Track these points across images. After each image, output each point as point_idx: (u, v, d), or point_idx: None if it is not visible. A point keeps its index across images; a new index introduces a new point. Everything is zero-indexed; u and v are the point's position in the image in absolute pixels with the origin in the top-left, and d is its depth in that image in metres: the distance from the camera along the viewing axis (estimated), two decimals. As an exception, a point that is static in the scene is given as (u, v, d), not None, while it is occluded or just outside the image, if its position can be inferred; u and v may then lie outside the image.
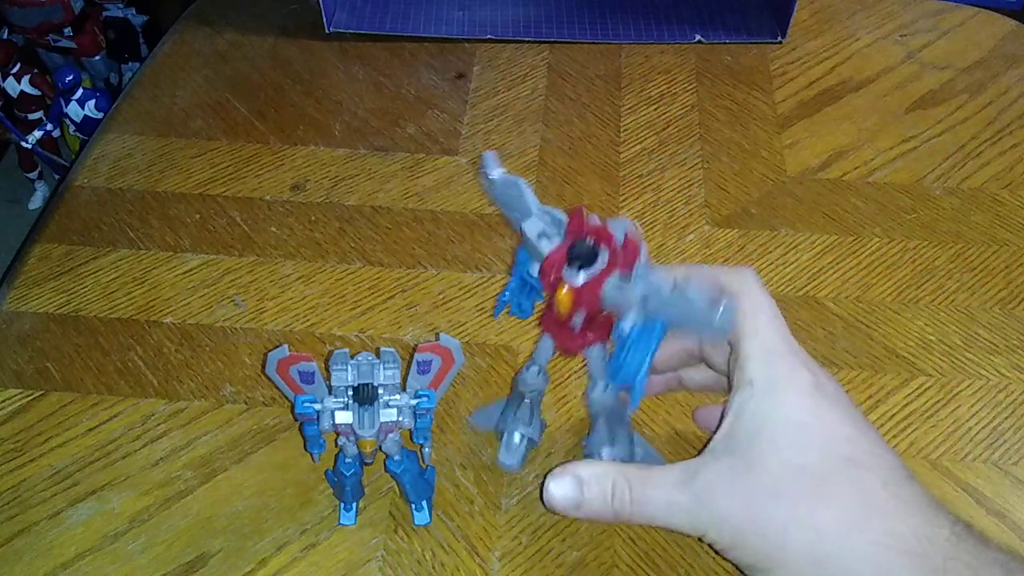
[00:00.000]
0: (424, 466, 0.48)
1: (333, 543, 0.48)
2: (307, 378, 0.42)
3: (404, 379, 0.43)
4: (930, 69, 0.79)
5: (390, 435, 0.44)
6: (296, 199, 0.68)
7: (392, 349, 0.42)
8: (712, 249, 0.64)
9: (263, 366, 0.42)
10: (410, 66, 0.79)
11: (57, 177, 1.54)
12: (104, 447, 0.53)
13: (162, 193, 0.68)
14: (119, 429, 0.53)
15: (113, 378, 0.56)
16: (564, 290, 0.38)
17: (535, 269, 0.40)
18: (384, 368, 0.42)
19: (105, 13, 1.60)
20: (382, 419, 0.42)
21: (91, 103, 1.41)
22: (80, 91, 1.41)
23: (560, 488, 0.39)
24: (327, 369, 0.43)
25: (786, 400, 0.37)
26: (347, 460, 0.46)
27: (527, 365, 0.45)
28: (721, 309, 0.34)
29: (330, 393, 0.42)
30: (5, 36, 1.52)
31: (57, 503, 0.50)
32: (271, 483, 0.51)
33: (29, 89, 1.45)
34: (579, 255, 0.37)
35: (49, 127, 1.45)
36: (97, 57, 1.59)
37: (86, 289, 0.61)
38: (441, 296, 0.61)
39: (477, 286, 0.62)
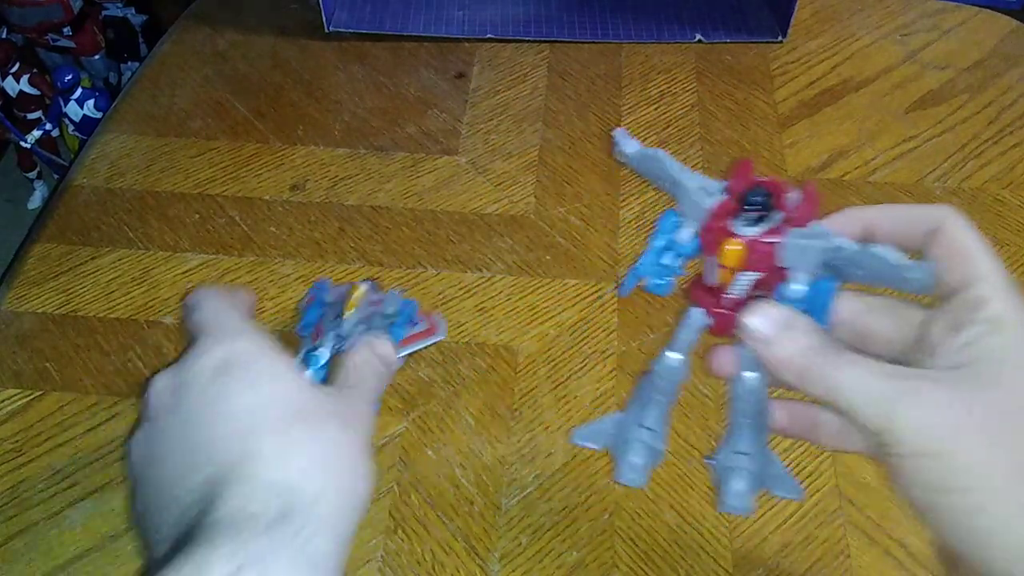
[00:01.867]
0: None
1: (333, 544, 0.48)
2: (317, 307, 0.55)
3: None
4: (931, 69, 0.79)
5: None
6: (296, 199, 0.68)
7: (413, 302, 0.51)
8: (712, 249, 0.64)
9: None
10: (410, 66, 0.79)
11: (56, 177, 1.54)
12: (103, 447, 0.52)
13: (161, 193, 0.68)
14: (118, 429, 0.53)
15: (112, 378, 0.56)
16: (733, 244, 0.33)
17: (686, 233, 0.35)
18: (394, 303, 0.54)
19: (104, 12, 1.60)
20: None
21: (90, 103, 1.41)
22: (79, 91, 1.41)
23: (764, 316, 0.33)
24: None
25: None
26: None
27: (664, 355, 0.38)
28: (921, 265, 0.31)
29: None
30: (4, 35, 1.51)
31: (56, 503, 0.50)
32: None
33: (28, 89, 1.45)
34: (755, 202, 0.33)
35: (48, 127, 1.45)
36: (96, 57, 1.58)
37: (85, 289, 0.61)
38: (441, 296, 0.61)
39: (477, 286, 0.61)
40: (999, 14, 0.85)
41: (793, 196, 0.33)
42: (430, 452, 0.53)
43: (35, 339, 0.58)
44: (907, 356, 0.34)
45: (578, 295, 0.61)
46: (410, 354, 0.56)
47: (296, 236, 0.65)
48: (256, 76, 0.78)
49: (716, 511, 0.35)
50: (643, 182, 0.68)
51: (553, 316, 0.60)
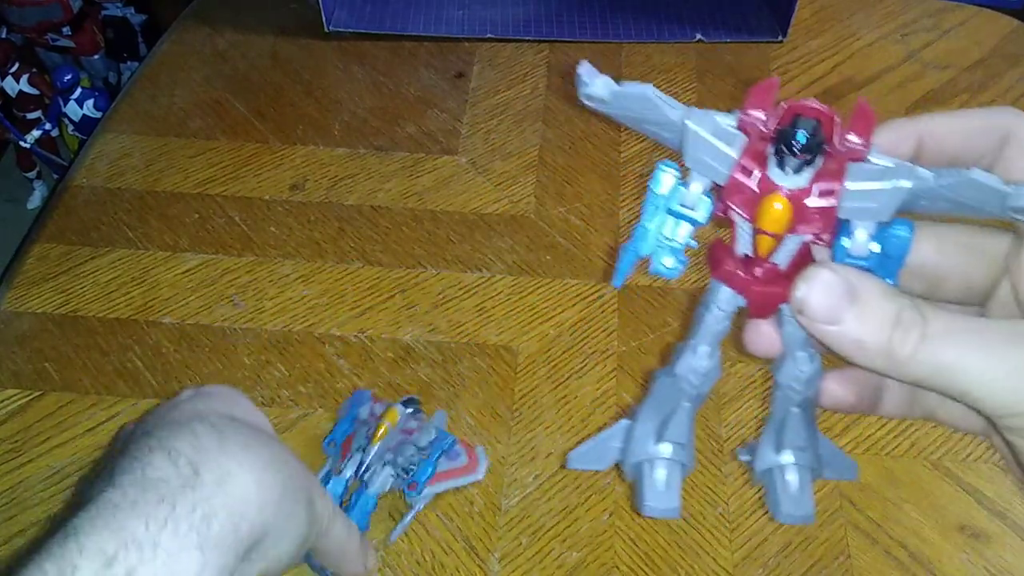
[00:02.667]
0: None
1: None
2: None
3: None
4: (931, 68, 0.79)
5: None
6: (295, 199, 0.67)
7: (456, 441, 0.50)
8: (713, 249, 0.64)
9: None
10: (410, 65, 0.79)
11: (56, 177, 1.54)
12: (103, 447, 0.52)
13: (161, 193, 0.68)
14: (117, 429, 0.53)
15: (112, 378, 0.56)
16: (778, 198, 0.25)
17: (695, 190, 0.27)
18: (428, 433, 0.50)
19: (104, 12, 1.59)
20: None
21: (90, 102, 1.41)
22: (79, 90, 1.41)
23: (824, 287, 0.25)
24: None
25: None
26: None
27: (687, 348, 0.29)
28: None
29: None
30: (4, 35, 1.51)
31: (56, 503, 0.50)
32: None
33: (28, 88, 1.45)
34: (804, 144, 0.24)
35: (48, 126, 1.45)
36: (96, 56, 1.58)
37: (84, 289, 0.61)
38: (441, 296, 0.61)
39: (477, 286, 0.61)
40: (1000, 14, 0.85)
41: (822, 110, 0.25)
42: (430, 452, 0.53)
43: (34, 339, 0.58)
44: (989, 300, 0.28)
45: (578, 295, 0.61)
46: (441, 493, 0.51)
47: (296, 236, 0.65)
48: (256, 76, 0.78)
49: (775, 520, 0.29)
50: (644, 182, 0.68)
51: (553, 316, 0.60)
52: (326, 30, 0.80)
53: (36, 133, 1.44)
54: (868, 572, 0.48)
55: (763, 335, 0.29)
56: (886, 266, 0.26)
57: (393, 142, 0.72)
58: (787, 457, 0.29)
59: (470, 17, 0.82)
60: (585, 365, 0.57)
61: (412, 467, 0.48)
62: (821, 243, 0.26)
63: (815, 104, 0.25)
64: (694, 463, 0.30)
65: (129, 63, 1.63)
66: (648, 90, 0.25)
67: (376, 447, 0.49)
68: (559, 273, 0.62)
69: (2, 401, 0.55)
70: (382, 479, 0.48)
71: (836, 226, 0.25)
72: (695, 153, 0.26)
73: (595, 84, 0.25)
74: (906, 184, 0.24)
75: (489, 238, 0.65)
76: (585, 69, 0.25)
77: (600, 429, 0.30)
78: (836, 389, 0.29)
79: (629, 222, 0.66)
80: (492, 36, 0.81)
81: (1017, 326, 0.25)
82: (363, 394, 0.53)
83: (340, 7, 0.82)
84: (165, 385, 0.56)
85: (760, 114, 0.25)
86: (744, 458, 0.31)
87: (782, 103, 0.25)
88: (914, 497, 0.51)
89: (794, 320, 0.27)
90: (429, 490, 0.49)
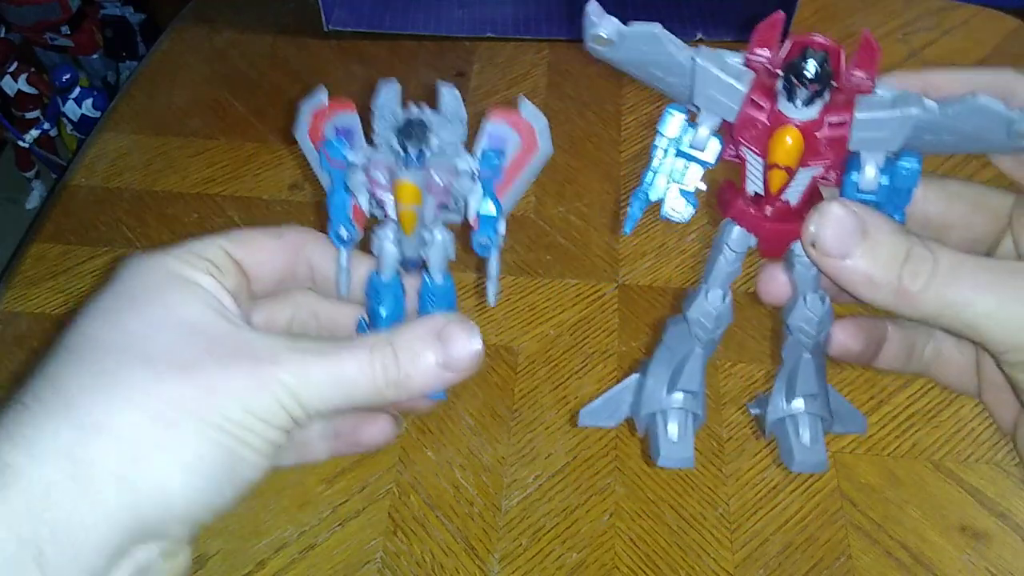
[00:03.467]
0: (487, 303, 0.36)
1: (331, 545, 0.48)
2: (346, 137, 0.31)
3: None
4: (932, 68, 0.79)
5: (438, 221, 0.31)
6: (295, 199, 0.67)
7: (454, 92, 0.29)
8: (713, 249, 0.64)
9: (294, 125, 0.31)
10: (409, 65, 0.79)
11: (54, 176, 1.53)
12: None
13: (160, 192, 0.68)
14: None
15: (110, 379, 0.56)
16: (788, 134, 0.25)
17: (703, 131, 0.27)
18: (443, 125, 0.29)
19: (102, 11, 1.59)
20: (433, 173, 0.29)
21: (88, 102, 1.40)
22: (77, 90, 1.41)
23: (835, 222, 0.25)
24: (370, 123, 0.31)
25: None
26: (382, 278, 0.32)
27: (699, 292, 0.29)
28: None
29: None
30: (2, 34, 1.51)
31: (54, 505, 0.50)
32: (269, 484, 0.50)
33: (26, 88, 1.45)
34: (814, 74, 0.24)
35: (46, 126, 1.44)
36: (94, 56, 1.58)
37: (83, 289, 0.61)
38: (441, 296, 0.61)
39: (477, 286, 0.61)
40: (1001, 13, 0.85)
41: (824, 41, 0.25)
42: (430, 453, 0.53)
43: (33, 339, 0.58)
44: (991, 254, 0.29)
45: (578, 295, 0.61)
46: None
47: (295, 236, 0.64)
48: (255, 75, 0.78)
49: (790, 471, 0.29)
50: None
51: (553, 316, 0.60)
52: (325, 29, 0.80)
53: (34, 132, 1.44)
54: (869, 573, 0.48)
55: (776, 281, 0.29)
56: (894, 201, 0.26)
57: (393, 141, 0.72)
58: (799, 403, 0.29)
59: (470, 16, 0.82)
60: (585, 365, 0.57)
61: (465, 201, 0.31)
62: (829, 182, 0.26)
63: (821, 38, 0.25)
64: (705, 414, 0.30)
65: (128, 62, 1.62)
66: (656, 28, 0.25)
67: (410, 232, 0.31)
68: (559, 273, 0.62)
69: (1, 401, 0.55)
70: (440, 246, 0.32)
71: (846, 160, 0.26)
72: (704, 90, 0.26)
73: (603, 24, 0.26)
74: (914, 111, 0.24)
75: (489, 238, 0.64)
76: (593, 7, 0.26)
77: (600, 429, 0.30)
78: (844, 337, 0.30)
79: (629, 222, 0.66)
80: (492, 35, 0.81)
81: (1005, 264, 0.25)
82: (346, 118, 0.31)
83: (340, 6, 0.82)
84: (164, 385, 0.55)
85: (767, 52, 0.25)
86: (755, 411, 0.31)
87: (788, 40, 0.25)
88: (915, 498, 0.51)
89: (804, 260, 0.27)
90: (508, 200, 0.32)
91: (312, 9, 0.79)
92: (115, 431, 0.25)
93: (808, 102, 0.25)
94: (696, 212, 0.28)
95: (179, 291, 0.28)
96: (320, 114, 0.31)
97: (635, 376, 0.31)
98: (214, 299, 0.28)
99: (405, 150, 0.29)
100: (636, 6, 0.83)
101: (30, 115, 1.48)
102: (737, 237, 0.28)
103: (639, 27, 0.25)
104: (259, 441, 0.26)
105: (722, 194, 0.28)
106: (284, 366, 0.26)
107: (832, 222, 0.25)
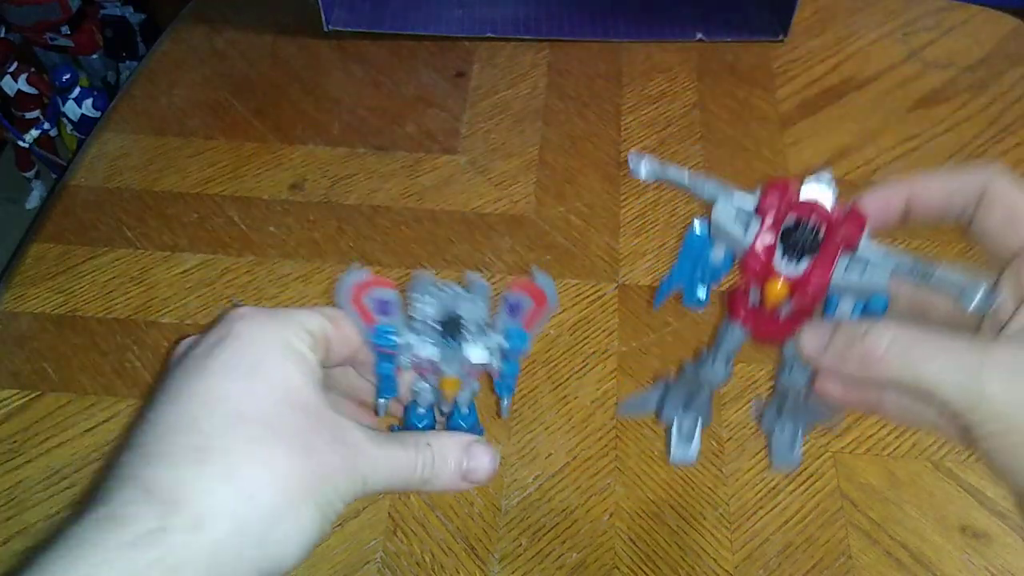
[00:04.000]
0: (500, 418, 0.41)
1: (332, 545, 0.48)
2: (383, 308, 0.35)
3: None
4: (932, 68, 0.79)
5: (469, 382, 0.38)
6: (294, 198, 0.67)
7: (481, 279, 0.34)
8: (713, 249, 0.64)
9: (336, 292, 0.35)
10: (409, 64, 0.79)
11: (54, 176, 1.53)
12: (101, 448, 0.52)
13: (159, 192, 0.68)
14: (116, 430, 0.53)
15: (110, 378, 0.56)
16: (779, 283, 0.32)
17: (718, 252, 0.34)
18: (473, 302, 0.34)
19: (103, 11, 1.59)
20: (473, 360, 0.35)
21: (88, 102, 1.41)
22: (77, 90, 1.41)
23: (816, 337, 0.31)
24: (406, 298, 0.35)
25: None
26: (420, 411, 0.37)
27: (709, 355, 0.37)
28: (981, 292, 0.29)
29: (409, 326, 0.35)
30: (2, 34, 1.51)
31: (55, 504, 0.50)
32: (270, 485, 0.51)
33: (26, 88, 1.45)
34: (799, 243, 0.31)
35: (46, 126, 1.44)
36: (94, 56, 1.58)
37: (83, 289, 0.61)
38: (441, 296, 0.61)
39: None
40: (1001, 13, 0.85)
41: (828, 204, 0.31)
42: (430, 453, 0.53)
43: (33, 339, 0.58)
44: (969, 328, 0.31)
45: (578, 295, 0.61)
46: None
47: (295, 236, 0.64)
48: (255, 75, 0.78)
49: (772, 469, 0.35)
50: (644, 181, 0.68)
51: (553, 316, 0.60)
52: (325, 29, 0.80)
53: (35, 132, 1.44)
54: (869, 573, 0.48)
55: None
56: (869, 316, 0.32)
57: (393, 142, 0.72)
58: (782, 417, 0.37)
59: (470, 16, 0.82)
60: (585, 365, 0.57)
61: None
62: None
63: (813, 204, 0.31)
64: (711, 419, 0.39)
65: (128, 62, 1.62)
66: (685, 176, 0.33)
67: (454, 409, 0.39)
68: (559, 273, 0.62)
69: (1, 401, 0.55)
70: (469, 392, 0.39)
71: (826, 296, 0.32)
72: (718, 233, 0.33)
73: (642, 171, 0.33)
74: (883, 283, 0.31)
75: (489, 238, 0.64)
76: (632, 156, 0.33)
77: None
78: (828, 384, 0.34)
79: (629, 222, 0.66)
80: (492, 35, 0.81)
81: (979, 341, 0.29)
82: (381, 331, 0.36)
83: (339, 6, 0.82)
84: (164, 385, 0.55)
85: (773, 207, 0.32)
86: (754, 413, 0.38)
87: (790, 199, 0.31)
88: (915, 498, 0.51)
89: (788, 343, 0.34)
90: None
91: (312, 9, 0.79)
92: (244, 506, 0.27)
93: (798, 260, 0.31)
94: (708, 304, 0.35)
95: (293, 364, 0.31)
96: (359, 288, 0.35)
97: (662, 381, 0.39)
98: (315, 375, 0.31)
99: (447, 341, 0.35)
100: (637, 6, 0.84)
101: (30, 115, 1.48)
102: (738, 331, 0.35)
103: (673, 171, 0.33)
104: (335, 516, 0.30)
105: (730, 300, 0.34)
106: (364, 456, 0.31)
107: (810, 338, 0.31)
